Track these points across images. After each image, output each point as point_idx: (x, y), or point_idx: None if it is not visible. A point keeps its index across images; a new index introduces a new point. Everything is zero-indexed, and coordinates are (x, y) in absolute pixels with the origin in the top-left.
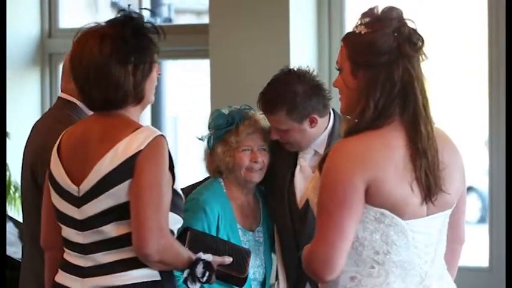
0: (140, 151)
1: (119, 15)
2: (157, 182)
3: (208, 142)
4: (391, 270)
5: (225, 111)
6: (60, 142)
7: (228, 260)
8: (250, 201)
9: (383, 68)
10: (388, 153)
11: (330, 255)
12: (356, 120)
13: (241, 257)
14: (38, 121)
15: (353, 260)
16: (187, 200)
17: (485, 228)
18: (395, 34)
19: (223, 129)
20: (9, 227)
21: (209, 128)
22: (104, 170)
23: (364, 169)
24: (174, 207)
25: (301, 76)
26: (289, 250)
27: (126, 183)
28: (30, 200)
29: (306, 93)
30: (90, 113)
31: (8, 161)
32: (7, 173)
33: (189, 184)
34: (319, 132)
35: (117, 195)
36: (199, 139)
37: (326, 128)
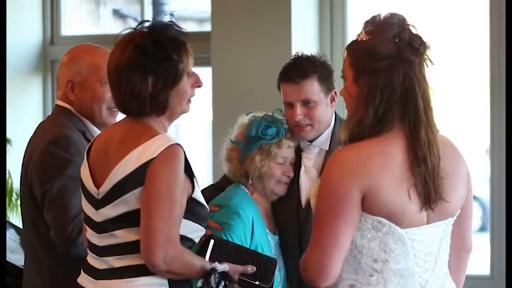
0: (152, 159)
1: (146, 24)
2: (167, 192)
3: (243, 148)
4: (389, 278)
5: (260, 116)
6: (91, 144)
7: (251, 269)
8: (270, 205)
9: (383, 74)
10: (384, 161)
11: (323, 263)
12: (356, 127)
13: (266, 266)
14: (36, 129)
15: (352, 267)
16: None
17: (486, 236)
18: (396, 40)
19: (268, 140)
20: (12, 234)
21: (251, 135)
22: (119, 176)
23: (359, 178)
24: (194, 216)
25: (317, 58)
26: (293, 254)
27: (138, 191)
28: (26, 210)
29: (329, 67)
30: (86, 120)
31: (10, 168)
32: (9, 180)
33: (206, 187)
34: (328, 120)
35: (129, 201)
36: (234, 143)
37: (329, 125)
